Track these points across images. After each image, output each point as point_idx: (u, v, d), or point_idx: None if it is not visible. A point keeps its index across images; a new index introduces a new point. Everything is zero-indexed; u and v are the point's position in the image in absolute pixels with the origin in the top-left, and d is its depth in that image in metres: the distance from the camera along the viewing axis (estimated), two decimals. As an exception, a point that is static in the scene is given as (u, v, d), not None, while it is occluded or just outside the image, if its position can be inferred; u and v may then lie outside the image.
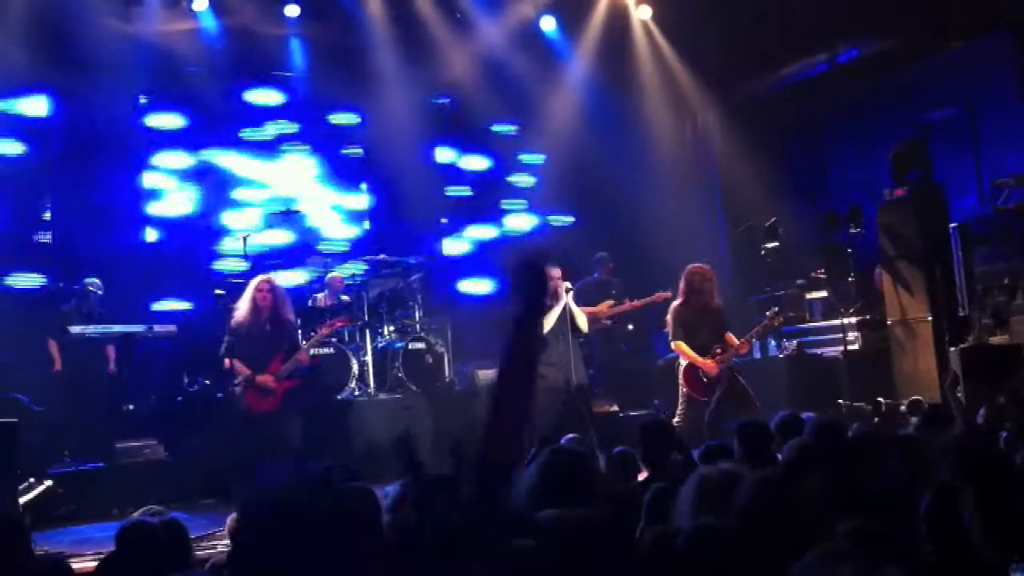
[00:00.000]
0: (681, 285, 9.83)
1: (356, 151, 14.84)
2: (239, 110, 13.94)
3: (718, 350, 9.61)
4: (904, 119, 13.25)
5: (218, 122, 13.80)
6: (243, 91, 13.91)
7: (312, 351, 10.17)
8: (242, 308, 9.35)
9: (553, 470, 4.66)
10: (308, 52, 14.09)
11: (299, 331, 10.51)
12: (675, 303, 9.86)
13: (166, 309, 12.79)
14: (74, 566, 6.51)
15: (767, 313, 10.25)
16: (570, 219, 15.56)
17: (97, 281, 11.26)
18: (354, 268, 13.41)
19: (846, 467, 4.51)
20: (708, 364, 9.54)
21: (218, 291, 10.89)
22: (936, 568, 3.41)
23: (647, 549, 3.52)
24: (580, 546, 3.42)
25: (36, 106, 12.68)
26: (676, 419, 9.52)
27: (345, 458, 9.56)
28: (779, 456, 5.61)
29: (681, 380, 9.74)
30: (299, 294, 12.23)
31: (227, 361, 9.41)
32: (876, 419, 9.73)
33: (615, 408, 12.46)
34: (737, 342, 9.70)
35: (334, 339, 11.42)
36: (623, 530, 3.58)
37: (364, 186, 14.87)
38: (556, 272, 9.62)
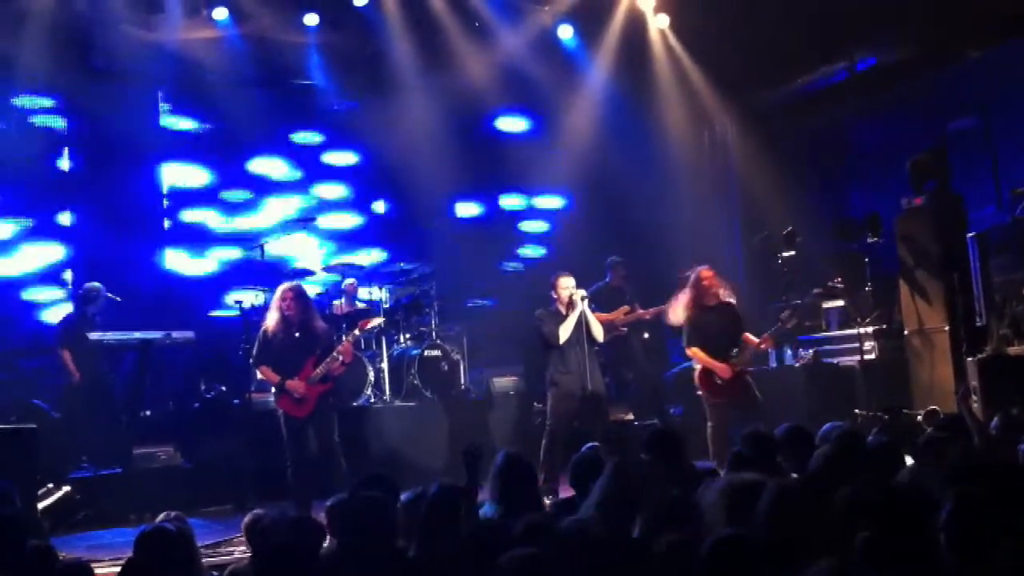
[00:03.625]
0: (691, 292, 9.77)
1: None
2: (258, 118, 13.98)
3: (733, 353, 9.55)
4: (923, 128, 13.20)
5: (237, 129, 13.86)
6: (261, 99, 13.95)
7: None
8: (270, 318, 9.25)
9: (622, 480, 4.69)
10: (327, 60, 14.13)
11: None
12: (688, 310, 9.80)
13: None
14: (92, 571, 6.55)
15: (781, 316, 10.18)
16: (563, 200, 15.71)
17: (99, 285, 11.18)
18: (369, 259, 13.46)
19: (867, 476, 4.51)
20: (722, 367, 9.49)
21: (236, 299, 10.91)
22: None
23: (664, 556, 3.53)
24: (596, 554, 3.43)
25: (57, 112, 12.76)
26: (709, 426, 9.47)
27: (361, 465, 9.61)
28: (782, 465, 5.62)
29: (697, 383, 9.69)
30: (316, 303, 12.26)
31: (259, 369, 9.40)
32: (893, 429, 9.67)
33: (630, 416, 12.45)
34: (756, 340, 9.64)
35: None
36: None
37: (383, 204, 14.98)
38: (569, 280, 9.64)
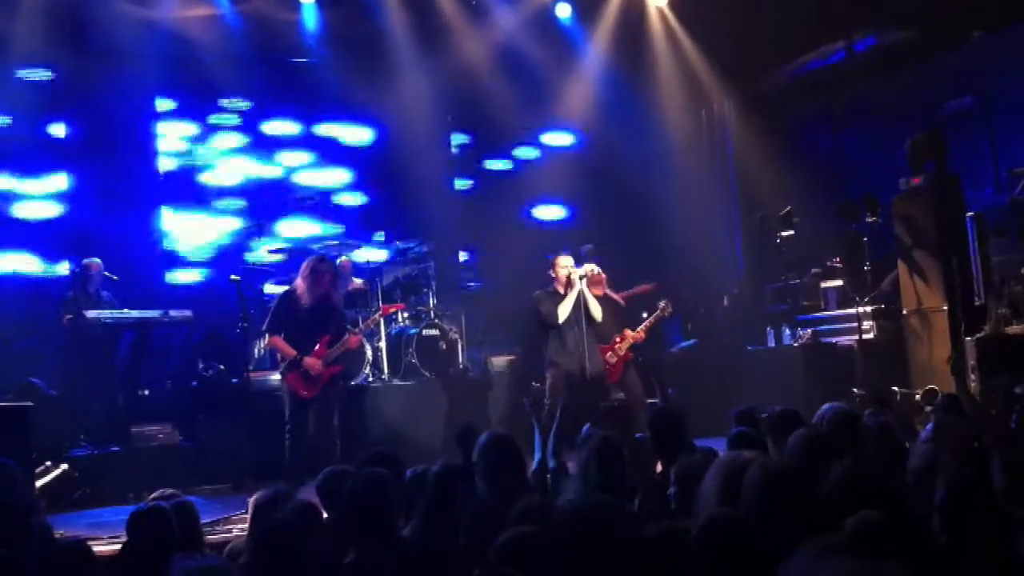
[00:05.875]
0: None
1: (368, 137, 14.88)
2: (254, 96, 13.93)
3: (617, 339, 10.16)
4: (921, 108, 13.17)
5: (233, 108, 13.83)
6: (257, 77, 13.87)
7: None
8: (300, 286, 9.06)
9: (603, 458, 4.73)
10: (323, 38, 14.04)
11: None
12: None
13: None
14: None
15: (659, 304, 10.69)
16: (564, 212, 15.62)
17: (98, 261, 11.17)
18: (369, 255, 13.39)
19: (861, 458, 4.50)
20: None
21: (233, 276, 10.87)
22: (951, 561, 3.40)
23: (659, 538, 3.53)
24: (595, 534, 3.42)
25: (53, 91, 12.71)
26: None
27: (361, 444, 9.60)
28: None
29: None
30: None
31: (268, 338, 9.24)
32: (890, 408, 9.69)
33: (622, 395, 12.45)
34: (632, 334, 10.26)
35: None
36: (639, 518, 3.57)
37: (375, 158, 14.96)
38: (568, 260, 9.65)
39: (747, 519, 3.44)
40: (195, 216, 13.66)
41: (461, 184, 15.53)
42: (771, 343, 13.19)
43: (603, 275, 10.20)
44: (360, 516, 4.36)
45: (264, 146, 14.17)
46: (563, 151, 15.63)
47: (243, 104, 13.87)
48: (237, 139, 14.01)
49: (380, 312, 10.15)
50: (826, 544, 2.80)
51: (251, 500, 5.52)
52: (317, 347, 8.95)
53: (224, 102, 13.77)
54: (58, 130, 12.85)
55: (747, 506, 3.56)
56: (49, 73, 12.51)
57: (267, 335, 9.31)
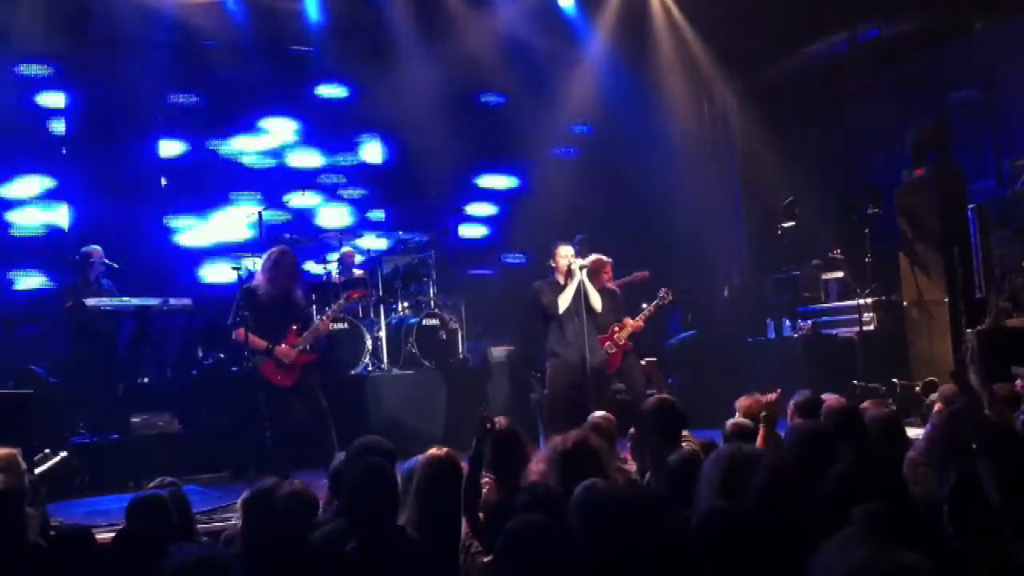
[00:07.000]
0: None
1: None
2: (257, 86, 13.90)
3: (616, 328, 10.18)
4: (924, 100, 13.16)
5: (235, 99, 13.79)
6: (259, 66, 13.84)
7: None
8: (261, 278, 9.09)
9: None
10: (326, 27, 14.00)
11: (313, 307, 10.42)
12: None
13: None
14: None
15: (660, 292, 10.70)
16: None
17: (98, 248, 11.13)
18: (370, 243, 13.40)
19: (864, 450, 4.50)
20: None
21: (233, 266, 10.84)
22: (958, 552, 3.40)
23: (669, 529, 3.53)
24: (604, 521, 3.42)
25: (55, 80, 12.68)
26: None
27: (360, 434, 9.56)
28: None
29: None
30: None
31: (237, 332, 9.25)
32: (891, 400, 9.69)
33: (622, 386, 12.45)
34: (632, 322, 10.29)
35: (347, 314, 11.38)
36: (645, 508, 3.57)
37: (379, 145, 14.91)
38: (568, 249, 9.64)
39: (748, 511, 3.44)
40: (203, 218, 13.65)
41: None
42: (771, 334, 13.20)
43: (605, 268, 10.21)
44: (358, 504, 4.37)
45: (264, 130, 14.15)
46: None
47: (243, 91, 13.84)
48: (237, 128, 14.00)
49: (344, 298, 10.12)
50: (841, 537, 2.80)
51: (243, 493, 5.49)
52: (288, 336, 8.93)
53: (226, 89, 13.74)
54: (61, 120, 12.82)
55: (751, 501, 3.55)
56: (47, 69, 12.47)
57: (232, 331, 9.24)
